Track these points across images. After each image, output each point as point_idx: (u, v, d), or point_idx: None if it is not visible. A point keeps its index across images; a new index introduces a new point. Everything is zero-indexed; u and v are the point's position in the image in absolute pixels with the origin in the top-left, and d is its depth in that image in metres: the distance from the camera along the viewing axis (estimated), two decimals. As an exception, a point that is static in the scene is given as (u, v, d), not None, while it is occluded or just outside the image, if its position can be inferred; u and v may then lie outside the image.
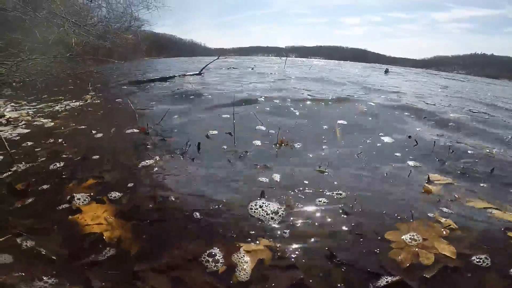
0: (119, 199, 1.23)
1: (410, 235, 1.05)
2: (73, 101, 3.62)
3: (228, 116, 2.80)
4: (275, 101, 3.85)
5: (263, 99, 3.84)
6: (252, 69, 10.38)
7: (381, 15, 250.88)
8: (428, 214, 1.20)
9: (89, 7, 7.75)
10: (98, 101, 3.64)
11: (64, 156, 1.74)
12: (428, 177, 1.60)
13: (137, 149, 1.90)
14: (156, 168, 1.58)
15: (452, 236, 1.06)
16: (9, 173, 1.50)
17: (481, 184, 1.58)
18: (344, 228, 1.09)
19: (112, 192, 1.27)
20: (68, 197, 1.22)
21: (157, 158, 1.71)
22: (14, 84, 5.39)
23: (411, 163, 1.85)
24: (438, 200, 1.35)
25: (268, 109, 3.34)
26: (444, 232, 1.08)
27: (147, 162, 1.64)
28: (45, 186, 1.34)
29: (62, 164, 1.60)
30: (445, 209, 1.25)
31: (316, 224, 1.12)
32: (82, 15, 7.25)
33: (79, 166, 1.59)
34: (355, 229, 1.08)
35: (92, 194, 1.26)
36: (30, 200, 1.22)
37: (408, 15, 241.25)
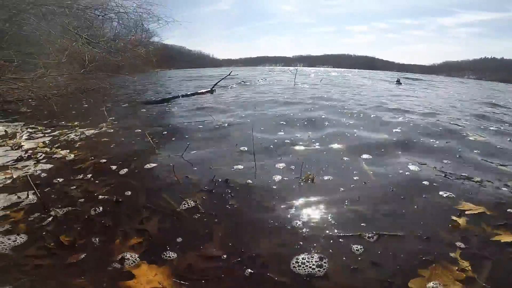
0: (170, 259, 1.18)
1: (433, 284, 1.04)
2: (87, 128, 3.56)
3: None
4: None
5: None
6: (264, 79, 10.45)
7: (388, 22, 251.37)
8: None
9: (101, 20, 7.87)
10: (112, 130, 3.52)
11: (99, 197, 1.70)
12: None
13: (166, 188, 1.84)
14: (196, 214, 1.53)
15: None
16: (49, 219, 1.46)
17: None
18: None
19: (162, 251, 1.22)
20: (119, 257, 1.18)
21: (189, 200, 1.65)
22: (30, 101, 5.48)
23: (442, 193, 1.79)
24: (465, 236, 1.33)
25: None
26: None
27: (184, 206, 1.60)
28: (92, 239, 1.30)
29: (100, 209, 1.57)
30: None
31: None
32: (94, 30, 7.40)
33: (117, 211, 1.55)
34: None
35: (141, 253, 1.21)
36: (80, 256, 1.19)
37: (415, 21, 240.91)
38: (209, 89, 7.81)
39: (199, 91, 7.47)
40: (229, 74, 9.17)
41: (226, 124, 3.71)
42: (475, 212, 1.55)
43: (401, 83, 12.91)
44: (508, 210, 1.57)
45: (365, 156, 2.47)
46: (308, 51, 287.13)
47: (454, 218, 1.48)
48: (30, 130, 3.47)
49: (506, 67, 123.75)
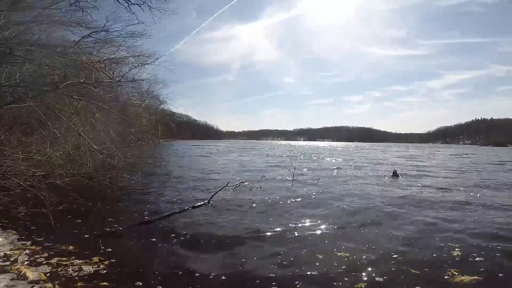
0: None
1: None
2: (81, 261, 3.48)
3: None
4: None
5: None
6: (263, 178, 10.02)
7: (381, 90, 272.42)
8: None
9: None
10: (106, 271, 3.31)
11: None
12: None
13: None
14: None
15: None
16: None
17: None
18: None
19: None
20: None
21: None
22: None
23: None
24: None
25: None
26: None
27: None
28: None
29: None
30: None
31: None
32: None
33: None
34: None
35: None
36: None
37: (405, 87, 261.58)
38: (207, 201, 7.37)
39: (196, 205, 7.03)
40: (226, 185, 8.70)
41: None
42: None
43: (398, 176, 11.43)
44: None
45: None
46: (308, 124, 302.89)
47: None
48: (28, 252, 3.59)
49: (497, 127, 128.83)
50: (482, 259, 3.81)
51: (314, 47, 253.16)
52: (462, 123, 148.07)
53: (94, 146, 5.56)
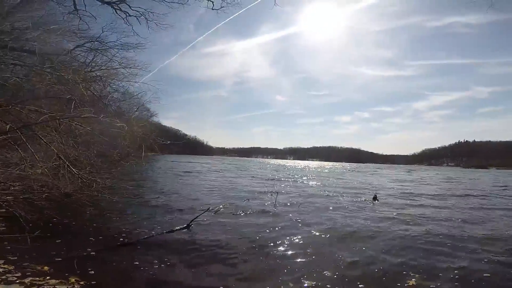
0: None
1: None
2: (58, 281, 3.44)
3: None
4: None
5: None
6: (247, 201, 10.03)
7: (369, 111, 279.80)
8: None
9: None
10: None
11: None
12: None
13: None
14: None
15: None
16: None
17: None
18: None
19: None
20: None
21: None
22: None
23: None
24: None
25: None
26: None
27: None
28: None
29: None
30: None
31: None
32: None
33: None
34: None
35: None
36: None
37: (392, 108, 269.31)
38: (186, 225, 7.34)
39: (175, 229, 6.98)
40: (207, 210, 8.59)
41: None
42: None
43: (377, 200, 12.09)
44: None
45: None
46: (298, 142, 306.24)
47: None
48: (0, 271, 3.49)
49: (479, 150, 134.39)
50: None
51: (306, 67, 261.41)
52: (446, 145, 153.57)
53: (74, 171, 5.57)
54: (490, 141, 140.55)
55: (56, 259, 4.32)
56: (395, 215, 9.27)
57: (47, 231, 5.40)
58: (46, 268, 3.82)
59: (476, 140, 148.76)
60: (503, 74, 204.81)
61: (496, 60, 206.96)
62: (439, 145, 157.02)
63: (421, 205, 11.58)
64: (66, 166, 5.56)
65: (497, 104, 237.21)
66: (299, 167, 57.35)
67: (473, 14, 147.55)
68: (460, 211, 10.50)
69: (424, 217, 9.01)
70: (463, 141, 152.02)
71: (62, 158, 5.43)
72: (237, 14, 14.91)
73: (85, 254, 4.72)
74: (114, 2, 13.53)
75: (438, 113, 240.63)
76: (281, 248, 5.74)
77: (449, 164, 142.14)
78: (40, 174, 5.92)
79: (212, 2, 13.35)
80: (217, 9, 13.45)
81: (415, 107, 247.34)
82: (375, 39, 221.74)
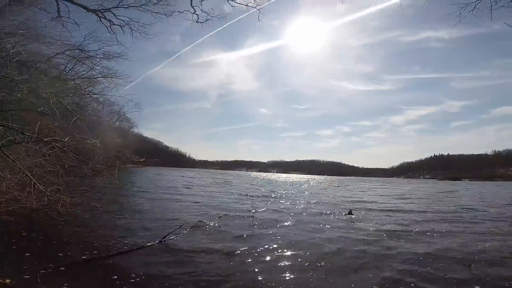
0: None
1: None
2: None
3: None
4: None
5: None
6: (224, 216, 10.01)
7: (349, 125, 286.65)
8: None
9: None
10: None
11: None
12: None
13: None
14: None
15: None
16: None
17: None
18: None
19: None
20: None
21: None
22: None
23: None
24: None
25: None
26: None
27: None
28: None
29: None
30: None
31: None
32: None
33: None
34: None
35: None
36: None
37: (371, 122, 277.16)
38: (158, 241, 7.28)
39: (146, 244, 6.90)
40: (180, 227, 8.39)
41: None
42: None
43: (352, 214, 12.51)
44: None
45: None
46: (281, 156, 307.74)
47: None
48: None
49: (453, 163, 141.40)
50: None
51: (290, 80, 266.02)
52: (423, 159, 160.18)
53: (41, 188, 5.51)
54: (463, 154, 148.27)
55: (20, 273, 4.24)
56: (371, 231, 9.51)
57: (11, 245, 5.27)
58: (8, 281, 3.76)
59: (450, 153, 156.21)
60: (472, 88, 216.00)
61: (466, 74, 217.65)
62: (416, 159, 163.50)
63: (395, 221, 11.76)
64: (32, 183, 5.50)
65: (467, 118, 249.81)
66: (281, 179, 57.78)
67: (445, 28, 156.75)
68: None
69: (397, 233, 9.22)
70: (438, 154, 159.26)
71: (29, 175, 5.37)
72: (222, 27, 15.40)
73: (51, 269, 4.65)
74: (99, 10, 13.59)
75: (413, 127, 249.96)
76: (254, 269, 5.72)
77: (426, 176, 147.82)
78: (6, 189, 5.81)
79: (197, 15, 13.74)
80: (202, 22, 13.87)
81: (393, 121, 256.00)
82: (356, 54, 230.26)
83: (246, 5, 12.49)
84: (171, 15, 13.76)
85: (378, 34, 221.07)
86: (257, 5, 12.06)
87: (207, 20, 13.75)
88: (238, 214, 11.87)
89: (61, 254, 5.40)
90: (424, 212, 14.39)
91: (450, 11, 8.77)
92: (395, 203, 18.37)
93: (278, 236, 8.32)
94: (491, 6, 8.03)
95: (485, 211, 14.86)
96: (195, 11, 13.59)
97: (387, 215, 13.07)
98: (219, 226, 9.31)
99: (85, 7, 13.23)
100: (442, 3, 10.15)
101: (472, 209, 15.82)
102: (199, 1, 13.29)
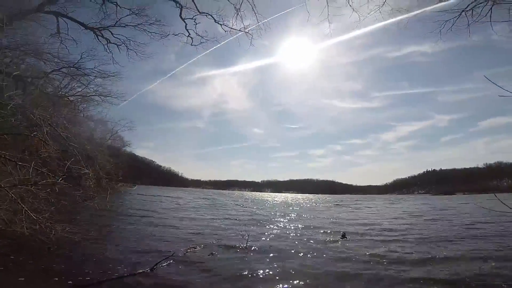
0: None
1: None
2: None
3: None
4: None
5: None
6: (216, 242, 9.87)
7: (340, 144, 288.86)
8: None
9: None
10: None
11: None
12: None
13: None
14: None
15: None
16: None
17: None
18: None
19: None
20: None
21: None
22: None
23: None
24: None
25: None
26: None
27: None
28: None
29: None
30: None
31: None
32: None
33: None
34: None
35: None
36: None
37: (362, 140, 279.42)
38: (150, 268, 7.19)
39: (137, 271, 6.82)
40: (172, 255, 8.06)
41: None
42: None
43: (346, 238, 12.00)
44: None
45: None
46: (274, 176, 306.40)
47: None
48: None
49: (446, 177, 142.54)
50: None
51: (282, 99, 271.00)
52: (416, 174, 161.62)
53: (33, 216, 5.55)
54: (455, 168, 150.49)
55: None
56: (366, 255, 9.23)
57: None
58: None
59: (442, 168, 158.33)
60: (459, 101, 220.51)
61: (451, 87, 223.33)
62: (409, 175, 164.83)
63: (388, 246, 10.99)
64: (24, 211, 5.53)
65: (457, 131, 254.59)
66: (275, 199, 57.28)
67: (427, 43, 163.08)
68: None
69: (389, 258, 8.86)
70: (430, 169, 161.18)
71: (21, 203, 5.42)
72: (216, 47, 15.99)
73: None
74: (97, 28, 14.04)
75: (404, 144, 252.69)
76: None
77: (420, 192, 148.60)
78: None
79: (192, 38, 14.36)
80: (196, 45, 14.49)
81: (384, 139, 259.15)
82: (345, 71, 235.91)
83: (239, 30, 13.15)
84: (166, 37, 14.38)
85: (365, 51, 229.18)
86: (249, 30, 12.71)
87: (201, 43, 14.40)
88: (231, 239, 11.58)
89: (51, 279, 5.31)
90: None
91: (430, 29, 9.49)
92: (391, 222, 18.37)
93: (271, 267, 8.14)
94: (469, 23, 8.69)
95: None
96: (189, 34, 14.26)
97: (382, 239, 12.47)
98: (211, 253, 9.01)
99: (83, 25, 13.67)
100: (423, 21, 10.53)
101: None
102: (194, 25, 13.98)
